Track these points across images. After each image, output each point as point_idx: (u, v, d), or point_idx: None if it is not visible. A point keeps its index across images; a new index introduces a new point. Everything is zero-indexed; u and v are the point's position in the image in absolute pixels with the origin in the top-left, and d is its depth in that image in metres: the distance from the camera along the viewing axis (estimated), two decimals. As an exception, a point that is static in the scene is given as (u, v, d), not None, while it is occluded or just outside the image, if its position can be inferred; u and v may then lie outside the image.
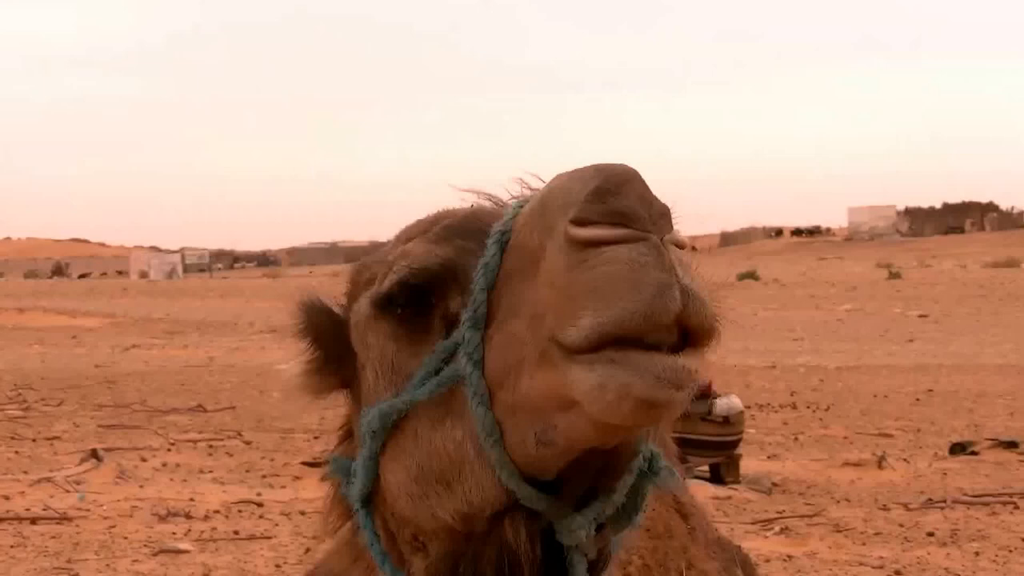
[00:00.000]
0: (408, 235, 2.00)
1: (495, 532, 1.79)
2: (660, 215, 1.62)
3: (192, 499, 11.11)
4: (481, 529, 1.81)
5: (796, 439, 14.64)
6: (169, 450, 13.72)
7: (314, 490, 11.63)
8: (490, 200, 2.06)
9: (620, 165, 1.66)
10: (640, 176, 1.65)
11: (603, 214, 1.59)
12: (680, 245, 1.63)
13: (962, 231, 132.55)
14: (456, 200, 2.05)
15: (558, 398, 1.65)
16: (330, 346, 2.12)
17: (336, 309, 2.14)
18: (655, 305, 1.56)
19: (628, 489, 1.83)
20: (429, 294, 1.90)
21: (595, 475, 1.76)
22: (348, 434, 2.16)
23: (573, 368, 1.61)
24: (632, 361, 1.59)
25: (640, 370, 1.59)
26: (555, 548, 1.80)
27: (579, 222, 1.60)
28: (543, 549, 1.78)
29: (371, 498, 1.96)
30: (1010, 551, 9.28)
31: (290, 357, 2.17)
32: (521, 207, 1.78)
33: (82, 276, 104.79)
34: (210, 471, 12.52)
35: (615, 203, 1.60)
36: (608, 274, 1.58)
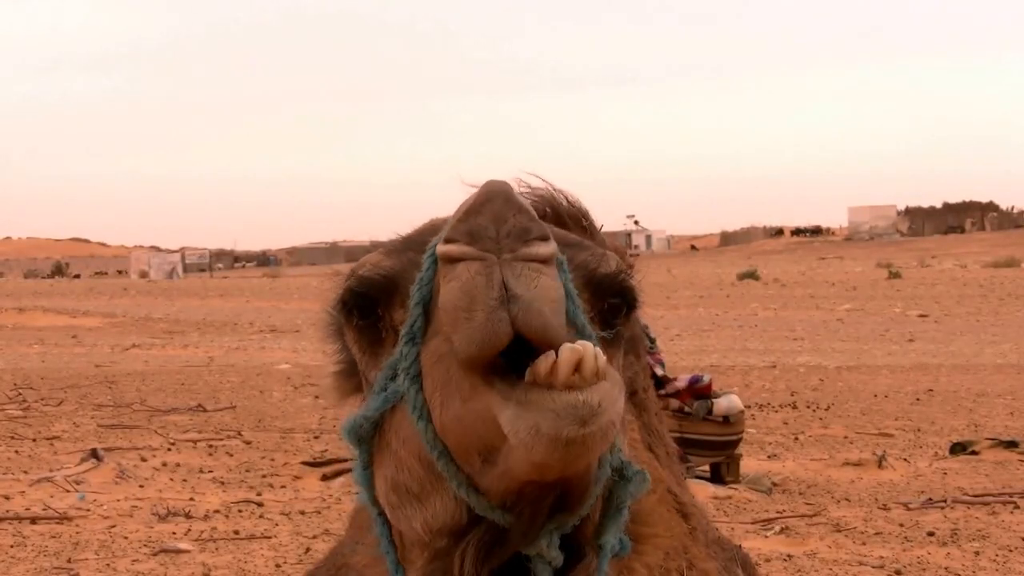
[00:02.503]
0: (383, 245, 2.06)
1: (455, 549, 1.81)
2: (509, 233, 1.68)
3: (192, 499, 11.11)
4: (446, 545, 1.82)
5: (796, 439, 14.64)
6: (169, 450, 13.72)
7: (314, 490, 11.64)
8: None
9: (493, 183, 1.73)
10: (503, 195, 1.71)
11: (462, 233, 1.69)
12: (537, 259, 1.68)
13: (962, 231, 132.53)
14: (456, 200, 2.06)
15: (490, 424, 1.68)
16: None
17: None
18: (486, 333, 1.64)
19: (602, 498, 1.85)
20: (375, 306, 1.95)
21: (553, 499, 1.76)
22: None
23: (492, 397, 1.67)
24: (536, 400, 1.64)
25: (544, 409, 1.63)
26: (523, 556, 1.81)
27: (446, 239, 1.71)
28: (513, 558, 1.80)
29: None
30: (1010, 551, 9.27)
31: (327, 359, 2.18)
32: None
33: (75, 277, 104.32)
34: (210, 471, 12.51)
35: (472, 222, 1.69)
36: (450, 293, 1.67)
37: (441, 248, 1.70)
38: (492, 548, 1.79)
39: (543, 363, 1.66)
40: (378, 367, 1.91)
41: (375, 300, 1.95)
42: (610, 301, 2.02)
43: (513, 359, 1.69)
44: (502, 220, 1.69)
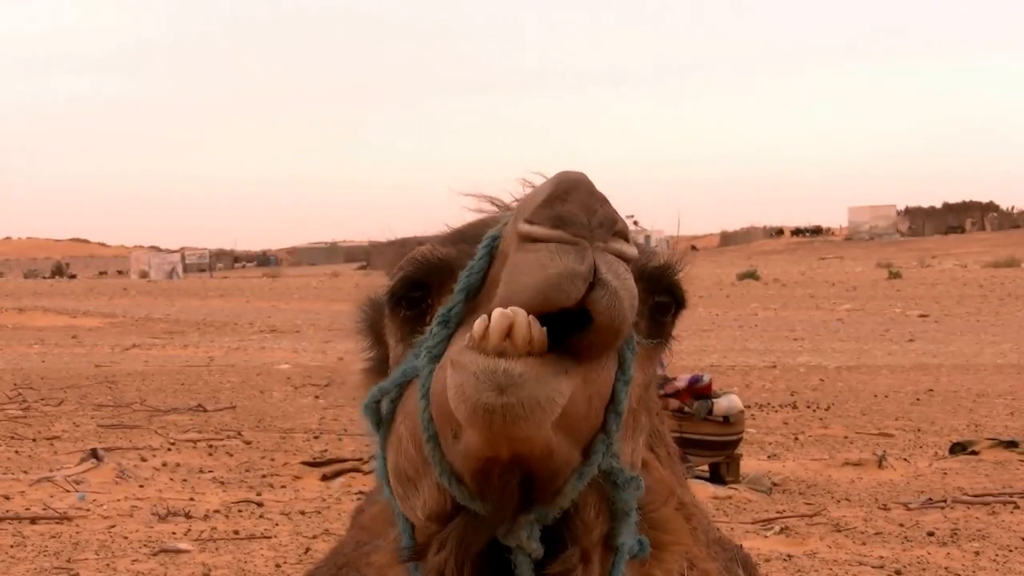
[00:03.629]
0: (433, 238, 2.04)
1: (441, 536, 1.81)
2: (600, 224, 1.68)
3: (192, 499, 11.11)
4: (435, 531, 1.82)
5: (796, 439, 14.65)
6: (169, 450, 13.72)
7: (314, 490, 11.65)
8: (491, 202, 2.07)
9: (573, 173, 1.71)
10: (588, 185, 1.70)
11: (547, 218, 1.66)
12: (623, 257, 1.68)
13: (962, 231, 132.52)
14: (456, 200, 2.06)
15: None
16: (384, 344, 2.13)
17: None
18: (552, 282, 1.63)
19: (603, 500, 1.84)
20: (428, 292, 1.93)
21: (518, 482, 1.74)
22: None
23: (448, 367, 1.66)
24: (464, 361, 1.64)
25: (466, 371, 1.63)
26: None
27: (529, 220, 1.67)
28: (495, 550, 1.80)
29: None
30: (1010, 551, 9.28)
31: (354, 355, 2.17)
32: None
33: (71, 277, 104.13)
34: (210, 471, 12.52)
35: (559, 208, 1.67)
36: (528, 259, 1.64)
37: (525, 228, 1.67)
38: (472, 537, 1.79)
39: (478, 325, 1.65)
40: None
41: (428, 286, 1.94)
42: (658, 299, 2.02)
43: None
44: (591, 210, 1.68)
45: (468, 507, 1.77)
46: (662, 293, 2.02)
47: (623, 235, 1.70)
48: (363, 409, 1.93)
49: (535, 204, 1.69)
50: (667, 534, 2.07)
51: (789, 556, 9.06)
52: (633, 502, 1.89)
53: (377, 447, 1.95)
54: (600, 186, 1.73)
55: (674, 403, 11.19)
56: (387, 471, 1.93)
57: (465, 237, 1.94)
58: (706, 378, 11.87)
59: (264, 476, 12.24)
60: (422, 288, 1.95)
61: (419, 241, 2.02)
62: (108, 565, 8.84)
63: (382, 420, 1.92)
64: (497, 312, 1.64)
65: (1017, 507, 10.77)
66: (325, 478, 12.00)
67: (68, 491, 11.38)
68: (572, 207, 1.67)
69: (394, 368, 1.98)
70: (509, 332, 1.63)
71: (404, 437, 1.85)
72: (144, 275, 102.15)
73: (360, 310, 2.18)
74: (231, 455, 13.45)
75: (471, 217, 2.06)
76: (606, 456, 1.81)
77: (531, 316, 1.64)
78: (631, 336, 1.79)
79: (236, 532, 9.82)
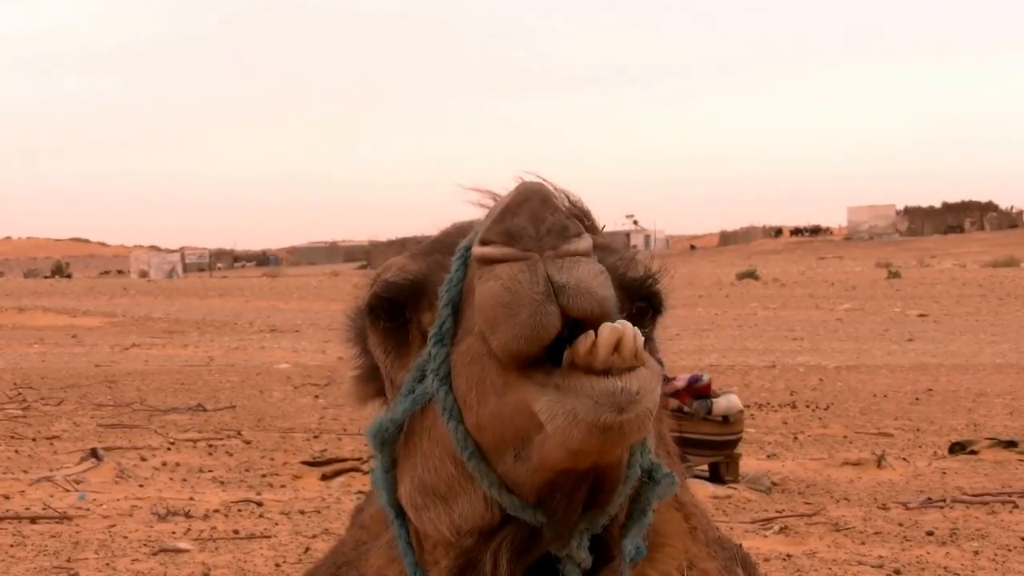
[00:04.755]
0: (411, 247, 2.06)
1: (485, 549, 1.81)
2: (549, 232, 1.70)
3: (192, 498, 11.11)
4: (474, 545, 1.83)
5: (795, 438, 14.65)
6: (169, 449, 13.72)
7: (314, 489, 11.65)
8: (493, 198, 2.07)
9: (527, 185, 1.75)
10: (540, 195, 1.73)
11: (498, 234, 1.70)
12: (579, 254, 1.71)
13: (962, 231, 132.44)
14: (457, 199, 2.07)
15: (525, 415, 1.69)
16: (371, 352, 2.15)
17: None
18: (533, 327, 1.65)
19: (629, 499, 1.86)
20: (403, 308, 1.96)
21: (586, 491, 1.77)
22: None
23: (529, 388, 1.67)
24: (574, 386, 1.65)
25: (582, 395, 1.64)
26: (550, 558, 1.81)
27: (482, 241, 1.71)
28: (539, 560, 1.80)
29: (403, 509, 1.97)
30: (1009, 550, 9.28)
31: (346, 364, 2.19)
32: None
33: (67, 276, 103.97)
34: (210, 471, 12.52)
35: (509, 223, 1.71)
36: (491, 291, 1.68)
37: (479, 250, 1.71)
38: (525, 548, 1.80)
39: (583, 343, 1.67)
40: (405, 369, 1.92)
41: (402, 304, 1.96)
42: (638, 305, 2.03)
43: (552, 353, 1.70)
44: (540, 220, 1.71)
45: (520, 518, 1.78)
46: (641, 300, 2.04)
47: (578, 234, 1.73)
48: (370, 435, 1.94)
49: (490, 220, 1.73)
50: (662, 535, 2.07)
51: (788, 556, 9.06)
52: (664, 498, 1.91)
53: (379, 464, 1.97)
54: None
55: (673, 403, 11.19)
56: (391, 486, 1.95)
57: (438, 247, 1.97)
58: (705, 378, 11.87)
59: (264, 476, 12.24)
60: (395, 304, 1.98)
61: (418, 241, 2.03)
62: (108, 565, 8.84)
63: (387, 442, 1.93)
64: (607, 327, 1.66)
65: (1016, 507, 10.77)
66: (325, 478, 12.00)
67: (68, 491, 11.38)
68: (521, 220, 1.71)
69: (391, 383, 2.00)
70: (617, 346, 1.66)
71: (432, 455, 1.85)
72: (144, 275, 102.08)
73: (348, 319, 2.19)
74: (231, 455, 13.45)
75: (471, 214, 2.07)
76: (644, 455, 1.84)
77: (635, 329, 1.68)
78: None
79: (236, 532, 9.83)
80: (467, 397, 1.76)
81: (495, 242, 1.70)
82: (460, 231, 1.96)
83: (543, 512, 1.77)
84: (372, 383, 2.13)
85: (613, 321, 1.69)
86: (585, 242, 1.72)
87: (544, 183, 1.77)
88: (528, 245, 1.69)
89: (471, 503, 1.80)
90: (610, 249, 2.04)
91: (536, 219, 1.71)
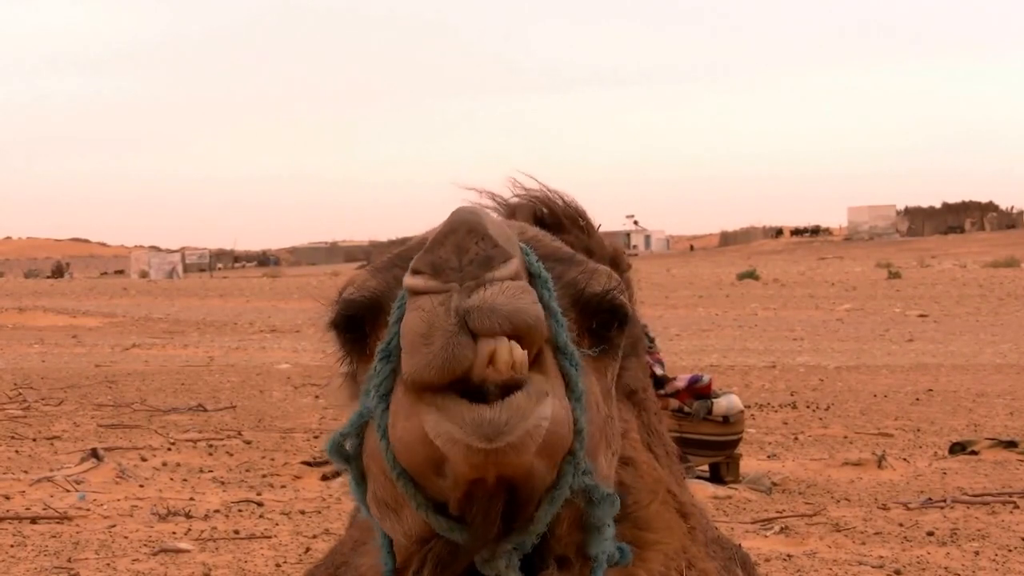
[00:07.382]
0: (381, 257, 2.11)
1: (419, 555, 1.86)
2: (471, 262, 1.74)
3: (192, 499, 11.12)
4: (418, 550, 1.87)
5: (796, 439, 14.65)
6: (169, 450, 13.73)
7: (314, 490, 11.65)
8: (492, 199, 2.08)
9: (459, 214, 1.78)
10: (467, 225, 1.76)
11: (426, 265, 1.75)
12: (504, 279, 1.73)
13: (962, 231, 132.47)
14: (457, 199, 2.07)
15: (424, 437, 1.73)
16: None
17: None
18: (444, 357, 1.69)
19: (577, 521, 1.88)
20: (362, 323, 2.02)
21: (502, 502, 1.78)
22: None
23: (422, 408, 1.72)
24: (451, 410, 1.69)
25: (456, 419, 1.69)
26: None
27: (413, 271, 1.76)
28: None
29: None
30: (1010, 551, 9.28)
31: (333, 361, 2.22)
32: None
33: (61, 276, 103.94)
34: (210, 471, 12.53)
35: (435, 254, 1.75)
36: (410, 322, 1.73)
37: (408, 281, 1.76)
38: (448, 559, 1.84)
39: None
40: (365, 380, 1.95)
41: (361, 320, 2.02)
42: (599, 318, 2.03)
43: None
44: (464, 250, 1.74)
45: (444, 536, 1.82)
46: (603, 313, 2.04)
47: (503, 261, 1.74)
48: (329, 451, 1.97)
49: (421, 251, 1.78)
50: (651, 533, 2.07)
51: (789, 556, 9.06)
52: (607, 518, 1.92)
53: (351, 477, 1.99)
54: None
55: (674, 403, 11.19)
56: (362, 495, 1.97)
57: (399, 262, 2.00)
58: (705, 378, 11.87)
59: (264, 476, 12.25)
60: (355, 320, 2.03)
61: (420, 240, 2.04)
62: (108, 565, 8.85)
63: (350, 457, 1.96)
64: (483, 343, 1.69)
65: (1017, 507, 10.77)
66: (325, 478, 12.01)
67: (68, 491, 11.38)
68: (446, 251, 1.75)
69: (355, 379, 2.06)
70: (491, 359, 1.69)
71: (375, 471, 1.89)
72: (144, 275, 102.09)
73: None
74: (231, 455, 13.45)
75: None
76: (576, 476, 1.84)
77: (512, 344, 1.70)
78: (572, 352, 1.83)
79: (236, 532, 9.83)
80: (393, 416, 1.80)
81: (423, 272, 1.74)
82: (422, 244, 1.97)
83: (465, 529, 1.80)
84: (354, 386, 2.15)
85: (538, 335, 1.72)
86: (509, 268, 1.74)
87: (475, 211, 1.79)
88: (450, 277, 1.73)
89: (411, 515, 1.85)
90: (572, 261, 2.05)
91: (460, 250, 1.74)
